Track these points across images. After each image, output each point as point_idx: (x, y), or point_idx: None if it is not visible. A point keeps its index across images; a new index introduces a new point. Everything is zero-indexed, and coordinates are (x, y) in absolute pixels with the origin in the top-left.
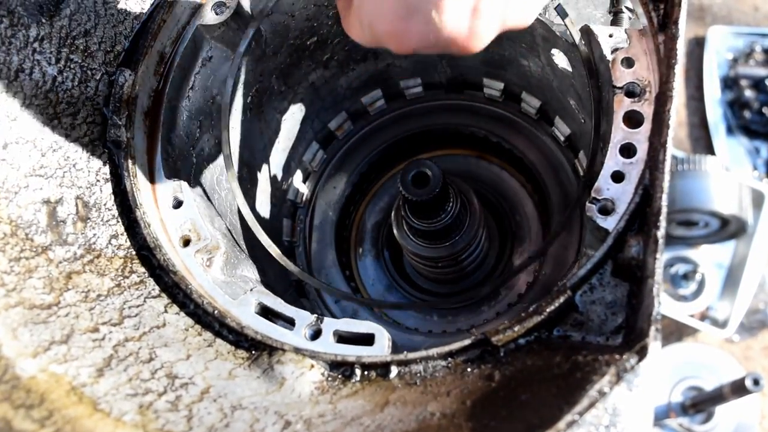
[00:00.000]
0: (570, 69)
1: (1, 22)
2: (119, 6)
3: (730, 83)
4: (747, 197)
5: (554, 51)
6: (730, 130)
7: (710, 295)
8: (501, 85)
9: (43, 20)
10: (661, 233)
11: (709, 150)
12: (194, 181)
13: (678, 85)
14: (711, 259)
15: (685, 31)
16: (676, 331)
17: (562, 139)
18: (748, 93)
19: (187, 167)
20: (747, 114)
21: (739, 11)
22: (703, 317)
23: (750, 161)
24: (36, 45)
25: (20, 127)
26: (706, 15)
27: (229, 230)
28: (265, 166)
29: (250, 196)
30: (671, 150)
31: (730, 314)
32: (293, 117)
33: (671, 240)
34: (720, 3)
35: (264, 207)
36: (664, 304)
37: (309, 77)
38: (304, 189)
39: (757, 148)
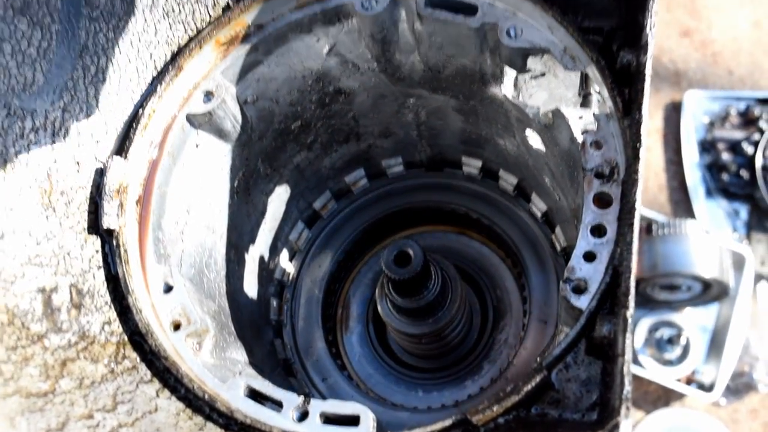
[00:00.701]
0: (543, 149)
1: None
2: (111, 97)
3: (707, 146)
4: (728, 260)
5: (528, 131)
6: (709, 193)
7: (696, 359)
8: (479, 163)
9: (38, 112)
10: (630, 312)
11: (689, 213)
12: (183, 265)
13: (643, 168)
14: (695, 322)
15: (648, 114)
16: (663, 396)
17: (539, 215)
18: (726, 156)
19: (176, 252)
20: (725, 176)
21: (714, 75)
22: (690, 381)
23: (730, 223)
24: (32, 136)
25: (16, 216)
26: (681, 80)
27: (217, 312)
28: (252, 247)
29: (237, 277)
30: (637, 232)
31: (716, 377)
32: (279, 198)
33: (655, 304)
34: (695, 68)
35: (251, 287)
36: (651, 369)
37: (294, 159)
38: (290, 268)
39: (737, 210)
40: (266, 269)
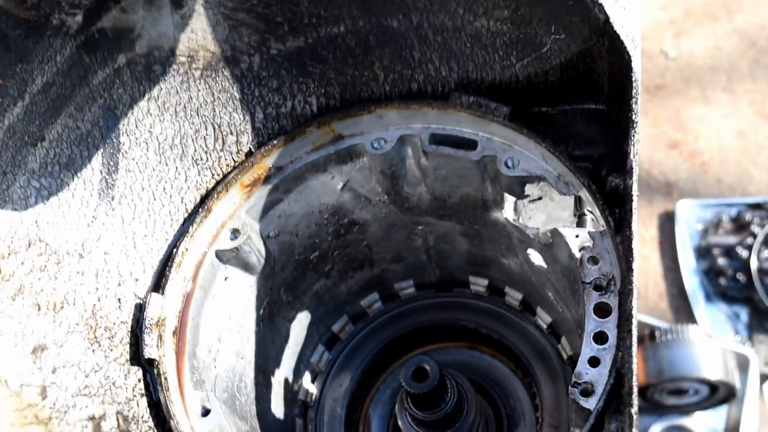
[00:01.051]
0: (545, 265)
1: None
2: (147, 239)
3: (703, 252)
4: (732, 362)
5: (530, 251)
6: (708, 298)
7: None
8: (486, 282)
9: (83, 255)
10: (634, 410)
11: (691, 318)
12: (217, 389)
13: (636, 279)
14: (705, 425)
15: (637, 231)
16: None
17: (545, 326)
18: (721, 261)
19: (210, 377)
20: (723, 281)
21: (704, 184)
22: None
23: (731, 326)
24: (77, 278)
25: (66, 352)
26: (673, 190)
27: None
28: (277, 371)
29: (266, 399)
30: (636, 336)
31: None
32: (300, 323)
33: (664, 409)
34: (685, 178)
35: (278, 408)
36: None
37: (313, 287)
38: (313, 389)
39: (737, 313)
40: (291, 391)
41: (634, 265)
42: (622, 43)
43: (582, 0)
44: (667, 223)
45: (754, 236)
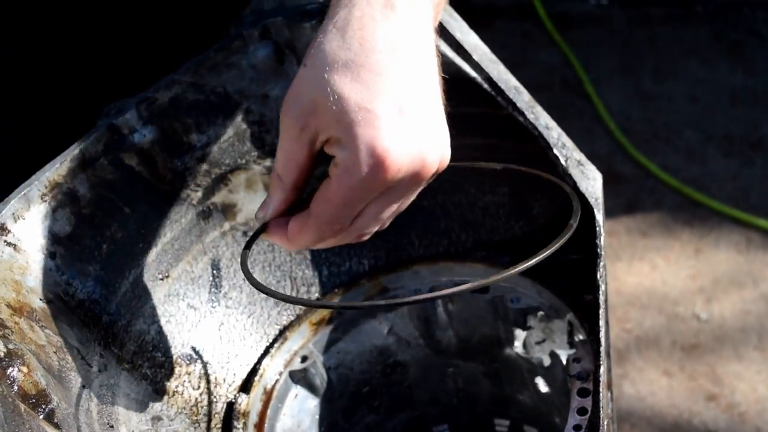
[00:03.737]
0: (549, 389)
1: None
2: (238, 357)
3: None
4: None
5: (537, 379)
6: None
7: None
8: (508, 422)
9: (190, 363)
10: None
11: None
12: None
13: (605, 368)
14: None
15: (604, 328)
16: None
17: None
18: None
19: None
20: None
21: None
22: None
23: None
24: (185, 377)
25: (175, 425)
26: None
27: None
28: None
29: None
30: (607, 404)
31: None
32: None
33: None
34: (725, 428)
35: None
36: None
37: (365, 419)
38: None
39: None
40: None
41: (601, 358)
42: (586, 200)
43: (556, 172)
44: None
45: None
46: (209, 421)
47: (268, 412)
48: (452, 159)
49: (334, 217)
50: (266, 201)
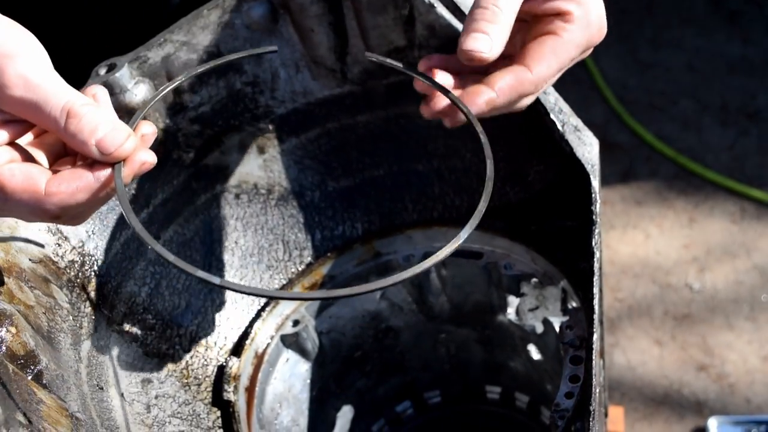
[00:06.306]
0: (541, 357)
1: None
2: (230, 320)
3: None
4: None
5: (529, 346)
6: None
7: None
8: (499, 389)
9: (181, 325)
10: (593, 413)
11: None
12: None
13: (597, 336)
14: None
15: (599, 296)
16: None
17: (548, 423)
18: None
19: (273, 430)
20: None
21: (732, 404)
22: None
23: None
24: (176, 340)
25: (165, 387)
26: (703, 408)
27: None
28: None
29: None
30: (599, 372)
31: None
32: (345, 417)
33: None
34: (714, 398)
35: None
36: None
37: (356, 384)
38: None
39: None
40: None
41: (595, 326)
42: (583, 167)
43: (553, 138)
44: None
45: None
46: (200, 384)
47: (259, 375)
48: None
49: (554, 73)
50: (476, 36)
